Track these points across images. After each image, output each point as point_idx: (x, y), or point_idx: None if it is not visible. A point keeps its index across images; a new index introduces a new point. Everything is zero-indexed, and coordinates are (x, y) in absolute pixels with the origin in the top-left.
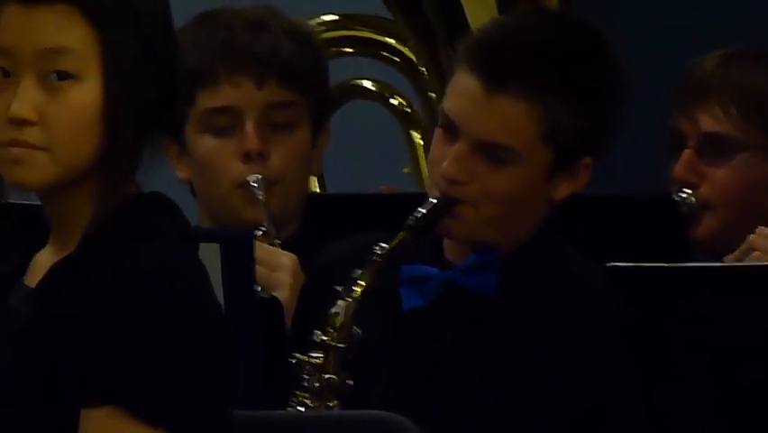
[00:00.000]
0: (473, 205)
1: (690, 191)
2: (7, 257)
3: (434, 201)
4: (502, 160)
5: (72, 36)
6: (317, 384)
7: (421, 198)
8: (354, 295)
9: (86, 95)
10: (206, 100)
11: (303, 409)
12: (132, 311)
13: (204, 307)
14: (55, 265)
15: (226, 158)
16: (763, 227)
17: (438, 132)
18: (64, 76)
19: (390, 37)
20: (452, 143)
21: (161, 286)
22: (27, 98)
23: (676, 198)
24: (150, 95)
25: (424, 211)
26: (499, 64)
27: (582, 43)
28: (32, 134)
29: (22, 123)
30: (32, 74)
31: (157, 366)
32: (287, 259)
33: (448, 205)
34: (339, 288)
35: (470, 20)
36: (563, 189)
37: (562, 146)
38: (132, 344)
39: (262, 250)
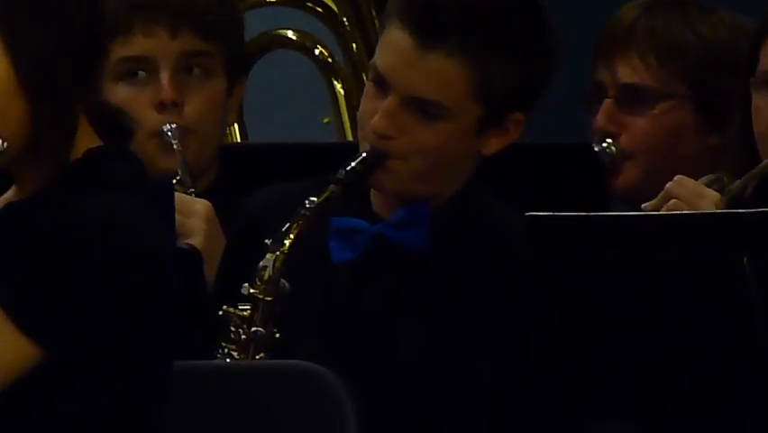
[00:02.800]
0: (403, 159)
1: (610, 141)
2: None
3: (364, 155)
4: (432, 115)
5: None
6: (244, 336)
7: (342, 149)
8: (283, 249)
9: None
10: (120, 49)
11: (228, 361)
12: (55, 236)
13: (131, 254)
14: (6, 205)
15: (141, 107)
16: (681, 176)
17: (369, 86)
18: None
19: None
20: (382, 98)
21: (93, 226)
22: None
23: (596, 149)
24: (64, 54)
25: (353, 164)
26: (431, 20)
27: (515, 1)
28: None
29: None
30: None
31: (58, 290)
32: (200, 206)
33: (378, 158)
34: (268, 241)
35: None
36: (493, 145)
37: (493, 102)
38: (47, 262)
39: (176, 198)
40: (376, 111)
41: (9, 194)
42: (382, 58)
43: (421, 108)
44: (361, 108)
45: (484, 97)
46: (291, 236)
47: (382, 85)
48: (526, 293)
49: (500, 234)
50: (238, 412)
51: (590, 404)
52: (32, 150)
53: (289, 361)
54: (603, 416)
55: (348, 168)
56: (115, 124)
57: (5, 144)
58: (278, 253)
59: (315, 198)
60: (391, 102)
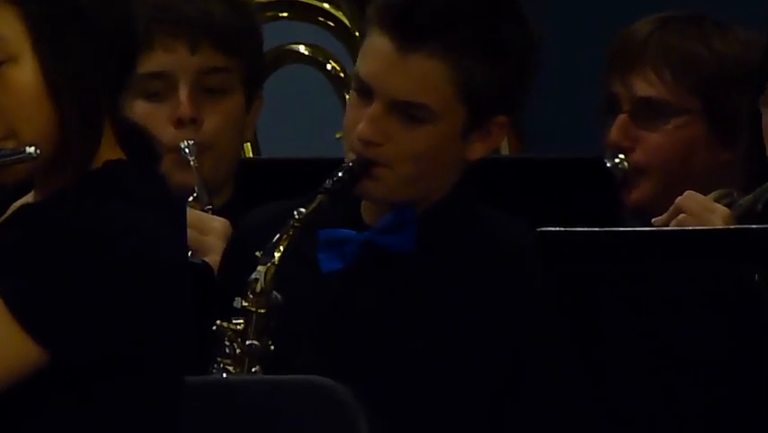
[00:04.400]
0: (389, 165)
1: (623, 156)
2: None
3: (351, 164)
4: (417, 118)
5: None
6: (239, 350)
7: None
8: (273, 260)
9: (24, 74)
10: (139, 65)
11: (225, 375)
12: (67, 239)
13: (144, 262)
14: (19, 207)
15: (159, 123)
16: (691, 191)
17: (352, 95)
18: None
19: (325, 2)
20: (366, 106)
21: (107, 231)
22: None
23: (609, 164)
24: (92, 62)
25: (340, 174)
26: (411, 23)
27: (495, 2)
28: None
29: None
30: None
31: (67, 293)
32: (217, 223)
33: (364, 167)
34: (258, 253)
35: None
36: (478, 149)
37: (476, 104)
38: (57, 265)
39: (193, 215)
40: (361, 120)
41: (26, 198)
42: (364, 65)
43: (406, 112)
44: (345, 119)
45: (467, 98)
46: (281, 248)
47: (366, 92)
48: (516, 294)
49: (489, 236)
50: (248, 428)
51: (598, 417)
52: (57, 157)
53: (301, 376)
54: (610, 427)
55: (335, 177)
56: (143, 145)
57: (38, 151)
58: (268, 264)
59: (303, 209)
60: (376, 108)
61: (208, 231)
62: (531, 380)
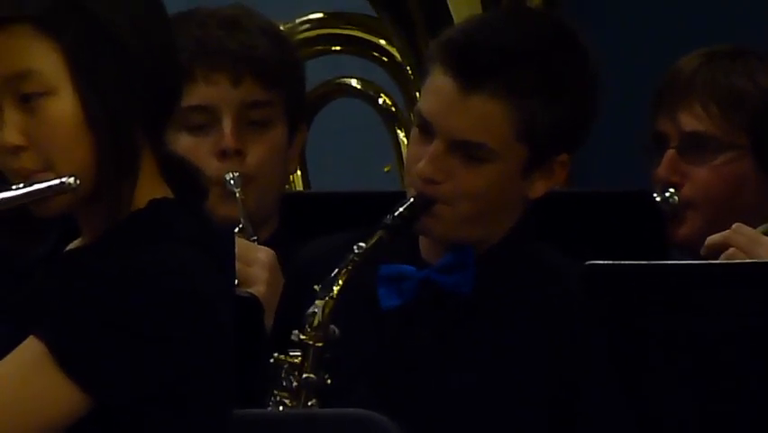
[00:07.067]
0: (450, 203)
1: (672, 191)
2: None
3: (411, 200)
4: (478, 158)
5: (34, 55)
6: (296, 384)
7: (403, 197)
8: (332, 294)
9: (63, 106)
10: (183, 98)
11: (281, 409)
12: (107, 283)
13: (184, 302)
14: (65, 252)
15: (203, 156)
16: (739, 224)
17: (414, 132)
18: (38, 95)
19: (376, 35)
20: (428, 143)
21: (146, 274)
22: (13, 125)
23: (658, 198)
24: (131, 95)
25: (401, 210)
26: (473, 63)
27: (555, 42)
28: (28, 160)
29: (15, 150)
30: (10, 100)
31: (108, 336)
32: (263, 254)
33: (425, 204)
34: (317, 287)
35: (454, 17)
36: (539, 187)
37: (538, 144)
38: (97, 308)
39: (238, 245)
40: (422, 157)
41: (75, 243)
42: (426, 103)
43: (466, 152)
44: (407, 154)
45: (529, 138)
46: (340, 282)
47: (427, 130)
48: (579, 337)
49: (550, 278)
50: None
51: None
52: (95, 191)
53: (349, 409)
54: None
55: (395, 213)
56: (188, 180)
57: (78, 182)
58: (327, 298)
59: (363, 244)
60: (437, 147)
61: (253, 262)
62: (585, 417)
